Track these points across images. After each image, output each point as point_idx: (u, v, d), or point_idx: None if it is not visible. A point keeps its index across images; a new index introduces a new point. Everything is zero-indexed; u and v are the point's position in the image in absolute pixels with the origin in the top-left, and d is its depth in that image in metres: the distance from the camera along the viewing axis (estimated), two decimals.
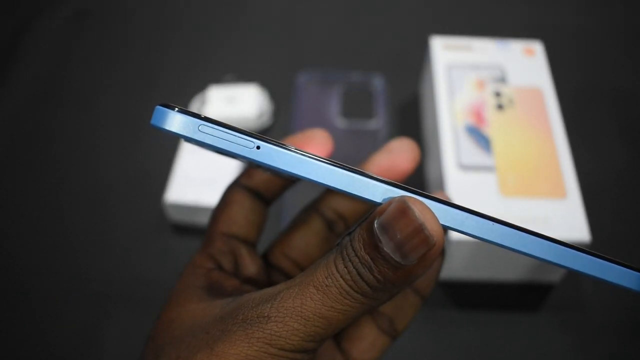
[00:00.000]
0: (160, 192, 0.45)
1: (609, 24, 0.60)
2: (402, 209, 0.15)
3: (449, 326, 0.40)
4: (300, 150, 0.16)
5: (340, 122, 0.50)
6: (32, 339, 0.39)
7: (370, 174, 0.16)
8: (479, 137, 0.40)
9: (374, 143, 0.49)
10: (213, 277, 0.22)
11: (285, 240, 0.25)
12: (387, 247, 0.15)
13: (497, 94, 0.43)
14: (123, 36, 0.58)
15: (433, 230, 0.15)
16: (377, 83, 0.53)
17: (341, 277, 0.16)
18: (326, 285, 0.16)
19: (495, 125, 0.41)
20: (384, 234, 0.15)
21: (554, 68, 0.46)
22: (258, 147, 0.15)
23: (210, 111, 0.49)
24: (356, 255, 0.16)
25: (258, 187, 0.24)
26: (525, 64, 0.45)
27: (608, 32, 0.59)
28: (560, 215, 0.36)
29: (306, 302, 0.16)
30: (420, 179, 0.47)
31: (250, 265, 0.24)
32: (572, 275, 0.41)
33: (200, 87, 0.52)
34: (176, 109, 0.16)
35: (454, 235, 0.35)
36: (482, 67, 0.44)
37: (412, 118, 0.52)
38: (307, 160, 0.16)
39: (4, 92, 0.53)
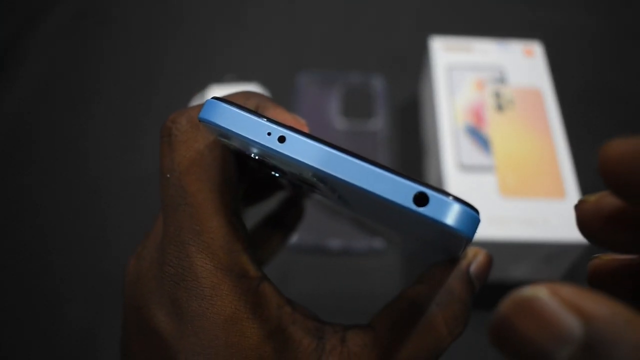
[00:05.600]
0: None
1: (608, 24, 0.60)
2: (490, 261, 0.20)
3: None
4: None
5: (340, 123, 0.50)
6: (32, 339, 0.39)
7: None
8: (479, 137, 0.40)
9: (374, 143, 0.49)
10: (269, 300, 0.16)
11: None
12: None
13: (497, 95, 0.43)
14: (123, 36, 0.58)
15: None
16: (377, 83, 0.53)
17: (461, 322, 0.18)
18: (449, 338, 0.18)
19: (494, 126, 0.41)
20: (477, 280, 0.19)
21: (554, 69, 0.46)
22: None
23: None
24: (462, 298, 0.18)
25: None
26: (524, 64, 0.45)
27: (608, 32, 0.59)
28: (560, 215, 0.36)
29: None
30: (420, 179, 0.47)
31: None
32: (573, 276, 0.41)
33: (200, 87, 0.52)
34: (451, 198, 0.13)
35: None
36: (481, 67, 0.44)
37: (411, 118, 0.52)
38: None
39: (4, 92, 0.53)
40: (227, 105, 0.14)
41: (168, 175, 0.17)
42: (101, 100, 0.53)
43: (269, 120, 0.14)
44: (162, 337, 0.16)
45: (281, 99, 0.52)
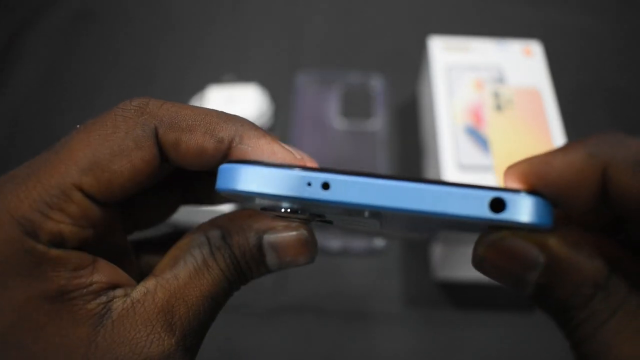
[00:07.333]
0: None
1: (608, 24, 0.60)
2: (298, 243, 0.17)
3: (448, 326, 0.40)
4: None
5: (339, 122, 0.50)
6: None
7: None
8: (478, 137, 0.40)
9: (373, 143, 0.49)
10: (55, 263, 0.15)
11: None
12: None
13: (496, 95, 0.43)
14: (123, 36, 0.58)
15: None
16: (376, 83, 0.53)
17: None
18: None
19: (493, 126, 0.41)
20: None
21: (553, 68, 0.46)
22: None
23: None
24: None
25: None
26: (523, 64, 0.45)
27: (607, 32, 0.59)
28: None
29: None
30: None
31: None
32: None
33: (199, 87, 0.52)
34: None
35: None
36: (480, 67, 0.44)
37: (411, 118, 0.52)
38: None
39: (4, 92, 0.53)
40: (247, 166, 0.12)
41: (78, 126, 0.16)
42: (100, 100, 0.53)
43: (302, 168, 0.12)
44: None
45: (281, 99, 0.52)
